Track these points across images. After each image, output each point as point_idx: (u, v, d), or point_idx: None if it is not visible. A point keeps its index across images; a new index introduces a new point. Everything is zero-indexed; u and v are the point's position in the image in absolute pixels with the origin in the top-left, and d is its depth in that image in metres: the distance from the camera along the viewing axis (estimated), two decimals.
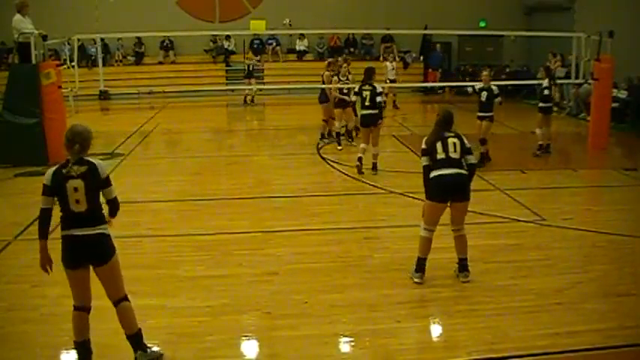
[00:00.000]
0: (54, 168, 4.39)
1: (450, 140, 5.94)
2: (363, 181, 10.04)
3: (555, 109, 13.52)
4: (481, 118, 10.86)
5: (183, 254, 6.91)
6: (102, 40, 19.55)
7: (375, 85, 10.36)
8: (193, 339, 5.01)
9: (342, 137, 12.78)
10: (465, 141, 6.01)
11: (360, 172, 10.38)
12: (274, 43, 23.31)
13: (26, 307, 5.59)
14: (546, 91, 11.84)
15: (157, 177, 10.76)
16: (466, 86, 17.74)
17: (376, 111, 10.22)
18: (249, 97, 20.62)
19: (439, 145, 5.92)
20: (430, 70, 22.97)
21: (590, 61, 13.21)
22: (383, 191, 9.46)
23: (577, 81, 14.80)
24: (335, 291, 5.89)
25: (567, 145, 13.85)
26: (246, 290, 5.94)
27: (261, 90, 20.96)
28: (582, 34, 13.72)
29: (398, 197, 9.05)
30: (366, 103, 10.29)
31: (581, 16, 19.24)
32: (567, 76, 15.83)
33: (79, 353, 4.53)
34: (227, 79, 22.68)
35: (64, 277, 4.47)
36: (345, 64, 13.17)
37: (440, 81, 22.49)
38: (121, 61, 22.70)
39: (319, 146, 12.97)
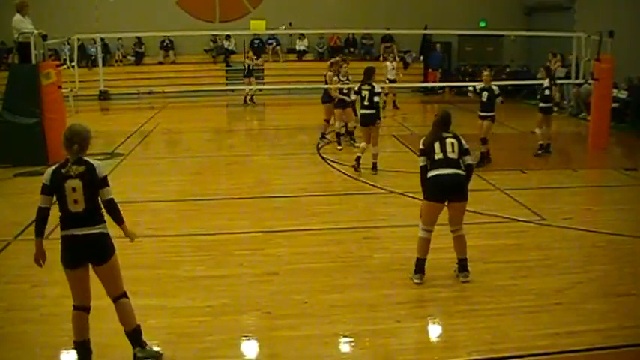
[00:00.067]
0: (53, 167, 4.41)
1: (448, 141, 5.94)
2: (363, 181, 10.04)
3: (555, 109, 13.52)
4: (483, 118, 10.86)
5: (184, 254, 6.92)
6: (102, 40, 19.55)
7: (374, 84, 10.36)
8: (193, 339, 5.01)
9: (342, 137, 12.78)
10: (463, 142, 6.02)
11: (357, 170, 10.41)
12: (274, 43, 23.31)
13: (26, 307, 5.59)
14: (547, 91, 11.84)
15: (157, 177, 10.76)
16: (466, 86, 17.75)
17: (373, 111, 10.23)
18: (248, 97, 20.63)
19: (437, 146, 5.92)
20: (430, 70, 22.97)
21: (590, 61, 13.21)
22: (383, 191, 9.46)
23: (577, 81, 14.80)
24: (335, 291, 5.89)
25: (567, 145, 13.85)
26: (246, 290, 5.94)
27: (261, 90, 20.95)
28: (582, 34, 13.72)
29: (398, 197, 9.05)
30: (365, 103, 10.33)
31: (581, 16, 19.24)
32: (567, 77, 15.83)
33: (78, 353, 4.53)
34: (227, 79, 22.68)
35: (64, 277, 4.48)
36: (345, 65, 13.18)
37: (440, 81, 22.49)
38: (121, 61, 22.70)
39: (319, 146, 12.97)
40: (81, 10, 20.97)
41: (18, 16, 11.23)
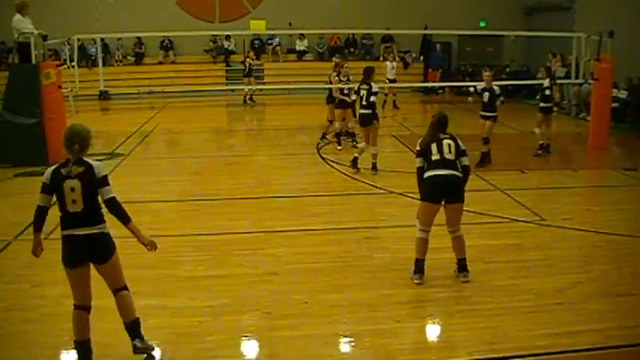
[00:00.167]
0: (53, 167, 4.42)
1: (445, 142, 5.95)
2: (363, 181, 10.04)
3: (555, 109, 13.52)
4: (485, 118, 10.87)
5: (184, 254, 6.92)
6: (102, 40, 19.57)
7: (372, 84, 10.38)
8: (193, 339, 5.01)
9: (342, 137, 12.78)
10: (460, 143, 6.02)
11: (354, 168, 10.45)
12: (274, 43, 23.30)
13: (26, 307, 5.59)
14: (547, 91, 11.84)
15: (157, 177, 10.77)
16: (466, 86, 17.75)
17: (370, 111, 10.26)
18: (248, 97, 20.62)
19: (434, 147, 5.93)
20: (430, 70, 22.97)
21: (590, 61, 13.21)
22: (383, 191, 9.47)
23: (577, 81, 14.81)
24: (335, 291, 5.90)
25: (567, 145, 13.86)
26: (246, 290, 5.94)
27: (261, 90, 20.95)
28: (582, 34, 13.73)
29: (398, 197, 9.05)
30: (363, 103, 10.39)
31: (581, 16, 19.24)
32: (567, 77, 15.83)
33: (79, 353, 4.53)
34: (227, 79, 22.67)
35: (64, 277, 4.48)
36: (345, 65, 13.20)
37: (440, 81, 22.49)
38: (121, 61, 22.69)
39: (319, 146, 12.98)
40: (81, 10, 20.97)
41: (18, 16, 11.23)
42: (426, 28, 20.95)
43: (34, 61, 11.30)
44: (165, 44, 22.96)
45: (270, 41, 23.25)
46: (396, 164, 10.93)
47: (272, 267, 6.48)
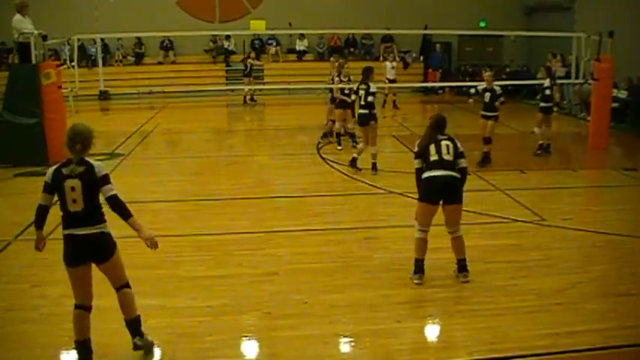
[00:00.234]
0: (55, 166, 4.44)
1: (444, 143, 5.95)
2: (363, 181, 10.05)
3: (555, 109, 13.53)
4: (487, 118, 10.87)
5: (184, 254, 6.92)
6: (102, 40, 19.59)
7: (370, 84, 10.40)
8: (193, 339, 5.01)
9: (342, 137, 12.79)
10: (459, 144, 6.01)
11: (353, 168, 10.48)
12: (274, 43, 23.31)
13: (26, 307, 5.59)
14: (547, 91, 11.84)
15: (157, 177, 10.77)
16: (466, 86, 17.74)
17: (367, 111, 10.28)
18: (248, 97, 20.64)
19: (432, 148, 5.93)
20: (430, 70, 22.97)
21: (590, 61, 13.21)
22: (383, 191, 9.47)
23: (577, 81, 14.81)
24: (335, 291, 5.90)
25: (567, 145, 13.86)
26: (246, 290, 5.94)
27: (261, 90, 20.95)
28: (582, 34, 13.74)
29: (398, 197, 9.05)
30: (361, 103, 10.44)
31: (581, 16, 19.25)
32: (567, 76, 15.83)
33: (79, 353, 4.53)
34: (227, 79, 22.67)
35: (65, 277, 4.48)
36: (346, 65, 13.21)
37: (440, 81, 22.49)
38: (120, 61, 22.69)
39: (319, 146, 12.98)
40: (81, 10, 20.98)
41: (18, 16, 11.23)
42: (426, 28, 20.96)
43: (34, 61, 11.30)
44: (165, 44, 22.97)
45: (270, 41, 23.24)
46: (396, 164, 10.93)
47: (272, 267, 6.48)
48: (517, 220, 7.99)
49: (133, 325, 4.68)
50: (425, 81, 22.74)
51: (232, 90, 21.51)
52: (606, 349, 4.87)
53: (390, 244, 7.16)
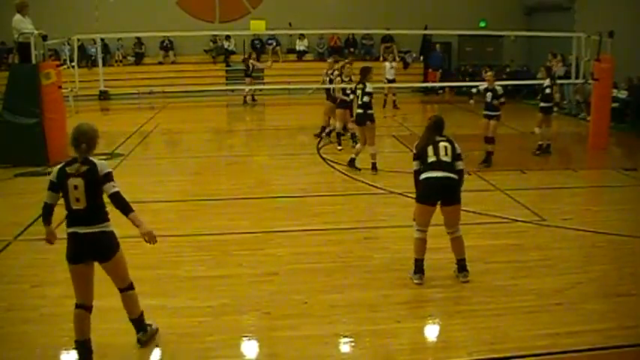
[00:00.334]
0: (60, 165, 4.50)
1: (442, 144, 5.95)
2: (363, 181, 10.05)
3: (555, 109, 13.53)
4: (488, 117, 10.86)
5: (184, 254, 6.92)
6: (102, 40, 19.57)
7: (367, 84, 10.42)
8: (193, 339, 5.01)
9: (343, 137, 12.80)
10: (457, 146, 6.01)
11: (352, 168, 10.50)
12: (274, 43, 23.31)
13: (26, 307, 5.59)
14: (547, 90, 11.84)
15: (157, 177, 10.77)
16: (466, 86, 17.74)
17: (363, 110, 10.31)
18: (248, 97, 20.65)
19: (430, 149, 5.94)
20: (430, 70, 22.97)
21: (590, 61, 13.21)
22: (383, 191, 9.47)
23: (577, 81, 14.80)
24: (335, 291, 5.90)
25: (567, 145, 13.86)
26: (246, 290, 5.94)
27: (261, 90, 20.96)
28: (582, 34, 13.72)
29: (398, 197, 9.05)
30: (359, 102, 10.49)
31: (581, 16, 19.25)
32: (567, 76, 15.82)
33: (79, 353, 4.54)
34: (227, 79, 22.68)
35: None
36: (347, 65, 13.22)
37: (440, 81, 22.49)
38: (120, 61, 22.70)
39: (319, 146, 12.99)
40: (81, 10, 20.98)
41: (18, 16, 11.23)
42: (426, 28, 20.95)
43: (34, 61, 11.30)
44: (165, 44, 22.96)
45: (270, 41, 23.24)
46: (396, 164, 10.93)
47: (272, 267, 6.48)
48: (517, 220, 7.99)
49: (137, 323, 4.80)
50: (425, 81, 22.74)
51: (232, 90, 21.51)
52: (606, 349, 4.87)
53: (390, 244, 7.16)
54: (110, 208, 4.53)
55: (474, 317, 5.37)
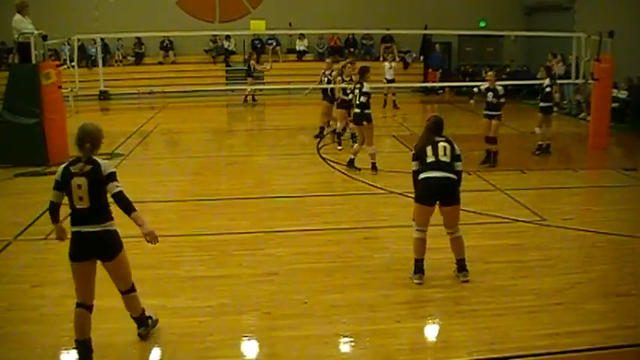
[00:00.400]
0: (65, 164, 4.54)
1: (441, 145, 5.95)
2: (363, 181, 10.05)
3: (555, 109, 13.53)
4: (490, 117, 10.85)
5: (184, 254, 6.92)
6: (102, 40, 19.57)
7: (364, 84, 10.43)
8: (193, 339, 5.01)
9: (343, 138, 12.81)
10: (456, 147, 6.01)
11: (351, 168, 10.52)
12: (274, 43, 23.31)
13: (26, 307, 5.59)
14: (547, 89, 11.83)
15: (157, 177, 10.76)
16: (466, 86, 17.75)
17: (360, 110, 10.32)
18: (249, 97, 20.65)
19: (429, 149, 5.94)
20: (430, 70, 22.97)
21: (590, 61, 13.21)
22: (383, 191, 9.47)
23: (577, 81, 14.80)
24: (335, 291, 5.89)
25: (567, 145, 13.86)
26: (246, 290, 5.94)
27: (261, 90, 20.96)
28: (582, 34, 13.72)
29: (398, 197, 9.05)
30: (356, 102, 10.52)
31: (581, 16, 19.24)
32: (567, 76, 15.82)
33: (79, 352, 4.54)
34: (227, 79, 22.68)
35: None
36: (349, 65, 13.23)
37: (440, 81, 22.49)
38: (121, 61, 22.70)
39: (319, 146, 12.99)
40: (81, 10, 20.98)
41: (18, 16, 11.23)
42: (426, 28, 20.95)
43: (34, 61, 11.30)
44: (165, 44, 22.96)
45: (270, 41, 23.24)
46: (396, 164, 10.92)
47: (272, 267, 6.48)
48: (517, 220, 7.98)
49: (139, 319, 4.87)
50: (425, 81, 22.74)
51: (232, 90, 21.52)
52: (606, 349, 4.87)
53: (390, 244, 7.16)
54: (113, 208, 4.55)
55: (474, 317, 5.37)
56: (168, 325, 5.19)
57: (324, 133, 13.79)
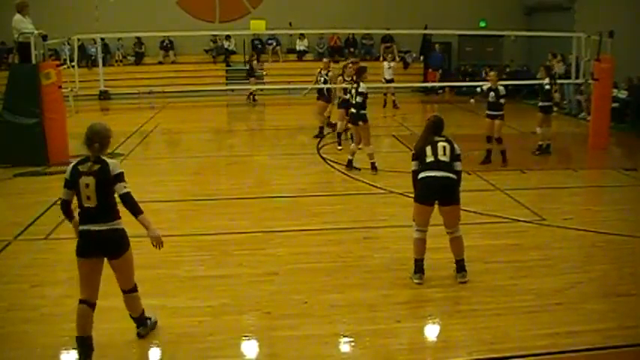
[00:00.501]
0: (74, 163, 4.60)
1: (440, 144, 5.95)
2: (362, 181, 10.05)
3: (555, 109, 13.53)
4: (492, 117, 10.85)
5: (184, 254, 6.92)
6: (102, 40, 19.58)
7: (361, 84, 10.44)
8: (193, 339, 5.01)
9: (342, 137, 12.81)
10: (456, 147, 6.00)
11: (350, 168, 10.55)
12: (274, 43, 23.31)
13: (26, 307, 5.59)
14: (547, 87, 11.83)
15: (157, 177, 10.76)
16: (466, 86, 17.75)
17: (355, 110, 10.34)
18: (252, 96, 20.67)
19: (429, 149, 5.94)
20: (430, 70, 22.97)
21: (590, 61, 13.21)
22: (383, 191, 9.47)
23: (577, 81, 14.80)
24: (335, 291, 5.89)
25: (567, 145, 13.85)
26: (246, 290, 5.94)
27: (261, 90, 20.97)
28: (582, 34, 13.72)
29: (398, 197, 9.05)
30: (353, 102, 10.53)
31: (581, 16, 19.25)
32: (567, 76, 15.82)
33: (80, 349, 4.54)
34: (227, 79, 22.68)
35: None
36: (350, 65, 13.23)
37: (440, 81, 22.48)
38: (121, 61, 22.70)
39: (319, 145, 12.99)
40: (81, 10, 20.98)
41: (18, 16, 11.23)
42: (426, 28, 20.95)
43: (34, 61, 11.29)
44: (165, 44, 22.96)
45: (270, 41, 23.25)
46: (396, 164, 10.92)
47: (272, 267, 6.48)
48: (517, 220, 7.99)
49: (138, 319, 4.90)
50: (425, 81, 22.74)
51: (232, 90, 21.52)
52: (606, 349, 4.87)
53: (390, 244, 7.16)
54: (119, 207, 4.57)
55: (474, 317, 5.37)
56: (168, 325, 5.19)
57: (324, 132, 13.80)
